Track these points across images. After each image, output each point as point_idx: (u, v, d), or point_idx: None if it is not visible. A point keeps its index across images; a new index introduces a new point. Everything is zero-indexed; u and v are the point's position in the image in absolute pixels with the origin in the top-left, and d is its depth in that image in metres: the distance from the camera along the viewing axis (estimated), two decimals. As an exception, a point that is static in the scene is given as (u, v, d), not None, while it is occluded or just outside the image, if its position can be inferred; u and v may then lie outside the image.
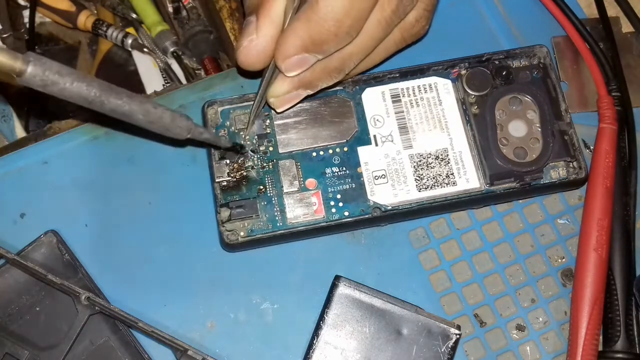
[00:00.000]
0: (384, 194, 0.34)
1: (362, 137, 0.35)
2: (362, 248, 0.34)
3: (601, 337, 0.33)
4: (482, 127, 0.35)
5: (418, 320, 0.32)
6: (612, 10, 0.40)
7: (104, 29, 0.51)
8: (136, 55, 0.52)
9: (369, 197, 0.34)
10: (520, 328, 0.34)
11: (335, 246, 0.34)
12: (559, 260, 0.35)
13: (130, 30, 0.52)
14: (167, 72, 0.50)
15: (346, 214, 0.33)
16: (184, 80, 0.50)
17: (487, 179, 0.34)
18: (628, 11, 0.40)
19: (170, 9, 0.51)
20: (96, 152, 0.36)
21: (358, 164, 0.34)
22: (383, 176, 0.34)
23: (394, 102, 0.35)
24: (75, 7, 0.51)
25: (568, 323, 0.33)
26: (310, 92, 0.33)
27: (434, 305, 0.34)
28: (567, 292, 0.34)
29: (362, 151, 0.34)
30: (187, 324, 0.33)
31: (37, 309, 0.32)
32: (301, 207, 0.33)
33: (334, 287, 0.32)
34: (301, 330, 0.33)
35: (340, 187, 0.34)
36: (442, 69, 0.36)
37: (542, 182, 0.34)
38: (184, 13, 0.50)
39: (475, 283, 0.34)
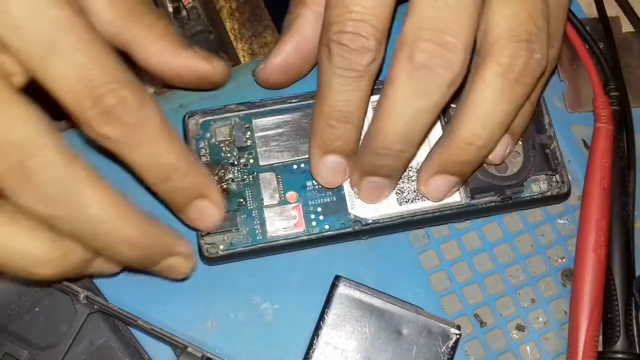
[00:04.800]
0: (364, 208, 0.33)
1: None
2: (362, 248, 0.34)
3: (601, 338, 0.33)
4: None
5: (418, 320, 0.32)
6: (612, 10, 0.40)
7: (104, 29, 0.51)
8: (136, 55, 0.52)
9: (350, 210, 0.33)
10: (520, 328, 0.34)
11: (335, 246, 0.34)
12: (559, 260, 0.35)
13: (130, 30, 0.52)
14: (167, 72, 0.50)
15: (327, 227, 0.33)
16: (183, 80, 0.50)
17: (467, 192, 0.34)
18: (628, 11, 0.40)
19: (170, 9, 0.51)
20: (96, 152, 0.35)
21: None
22: None
23: None
24: (75, 7, 0.51)
25: (568, 323, 0.33)
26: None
27: (434, 305, 0.34)
28: (567, 292, 0.34)
29: None
30: (187, 324, 0.33)
31: (37, 309, 0.32)
32: (281, 221, 0.33)
33: (334, 287, 0.32)
34: (301, 330, 0.33)
35: (321, 200, 0.33)
36: None
37: (523, 196, 0.34)
38: (184, 13, 0.50)
39: (475, 283, 0.34)
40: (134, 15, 0.31)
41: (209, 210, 0.31)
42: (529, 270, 0.35)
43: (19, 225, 0.26)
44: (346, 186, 0.34)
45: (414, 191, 0.34)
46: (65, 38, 0.24)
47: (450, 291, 0.34)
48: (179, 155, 0.28)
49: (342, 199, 0.34)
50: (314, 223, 0.33)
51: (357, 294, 0.32)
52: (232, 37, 0.44)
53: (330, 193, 0.34)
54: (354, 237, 0.34)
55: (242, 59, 0.43)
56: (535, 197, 0.34)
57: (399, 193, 0.34)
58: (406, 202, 0.34)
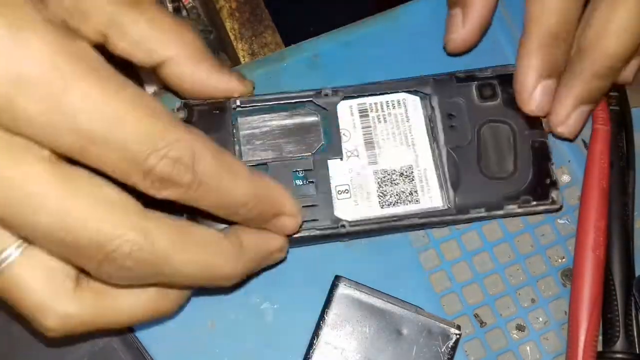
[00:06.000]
0: (346, 209, 0.33)
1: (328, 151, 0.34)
2: (362, 248, 0.34)
3: (600, 338, 0.33)
4: (448, 146, 0.34)
5: (418, 320, 0.32)
6: (612, 10, 0.40)
7: (104, 28, 0.51)
8: (136, 55, 0.52)
9: (333, 212, 0.33)
10: (520, 328, 0.34)
11: (335, 246, 0.34)
12: (559, 260, 0.35)
13: (130, 30, 0.52)
14: (167, 72, 0.50)
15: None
16: (184, 80, 0.50)
17: (450, 198, 0.34)
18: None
19: (170, 9, 0.51)
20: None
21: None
22: (346, 191, 0.34)
23: (361, 116, 0.35)
24: (75, 7, 0.51)
25: (568, 323, 0.34)
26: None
27: (434, 305, 0.34)
28: (567, 292, 0.34)
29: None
30: (187, 324, 0.33)
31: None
32: None
33: (334, 287, 0.32)
34: (301, 330, 0.33)
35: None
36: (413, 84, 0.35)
37: (511, 210, 0.34)
38: (184, 13, 0.51)
39: (475, 283, 0.34)
40: (173, 34, 0.30)
41: (286, 223, 0.30)
42: (529, 270, 0.35)
43: None
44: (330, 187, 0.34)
45: (397, 194, 0.34)
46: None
47: (450, 291, 0.34)
48: (245, 189, 0.27)
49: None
50: None
51: (357, 294, 0.32)
52: (232, 37, 0.44)
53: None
54: (336, 239, 0.34)
55: (242, 59, 0.43)
56: (526, 209, 0.34)
57: (381, 196, 0.34)
58: (388, 205, 0.34)
